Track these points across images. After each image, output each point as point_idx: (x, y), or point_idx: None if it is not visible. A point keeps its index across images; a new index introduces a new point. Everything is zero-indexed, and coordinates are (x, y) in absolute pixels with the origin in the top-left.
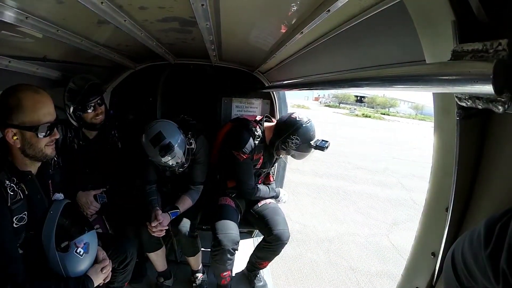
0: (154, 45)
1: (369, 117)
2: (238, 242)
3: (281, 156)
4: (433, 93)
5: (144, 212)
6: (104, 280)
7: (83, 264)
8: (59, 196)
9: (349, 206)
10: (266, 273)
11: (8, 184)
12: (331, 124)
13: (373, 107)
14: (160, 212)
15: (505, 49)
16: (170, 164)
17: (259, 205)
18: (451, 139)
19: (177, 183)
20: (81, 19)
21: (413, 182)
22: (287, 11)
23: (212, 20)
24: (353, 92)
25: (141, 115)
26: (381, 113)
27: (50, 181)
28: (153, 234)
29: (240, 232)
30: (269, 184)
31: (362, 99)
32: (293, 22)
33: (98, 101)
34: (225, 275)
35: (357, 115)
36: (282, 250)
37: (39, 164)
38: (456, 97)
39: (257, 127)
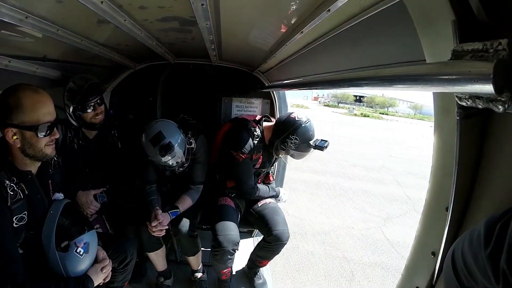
0: (154, 44)
1: (368, 116)
2: (238, 243)
3: (280, 156)
4: (433, 92)
5: (144, 212)
6: (104, 279)
7: (83, 263)
8: (59, 195)
9: (345, 201)
10: (266, 271)
11: (8, 184)
12: (329, 123)
13: (372, 107)
14: (160, 211)
15: (505, 49)
16: (170, 163)
17: (259, 205)
18: (451, 138)
19: (177, 182)
20: (81, 19)
21: (408, 179)
22: (287, 10)
23: (212, 20)
24: (352, 91)
25: (141, 115)
26: (380, 113)
27: (50, 181)
28: (153, 234)
29: (240, 232)
30: (269, 183)
31: (361, 98)
32: (293, 22)
33: (98, 101)
34: (225, 271)
35: (355, 115)
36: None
37: (39, 164)
38: (456, 96)
39: (256, 127)
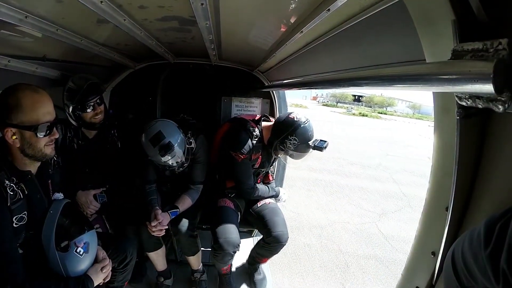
0: (153, 44)
1: (366, 116)
2: (238, 245)
3: (279, 156)
4: (433, 92)
5: (144, 212)
6: (104, 279)
7: (83, 263)
8: (59, 195)
9: (342, 198)
10: (265, 267)
11: (7, 184)
12: (328, 122)
13: (370, 106)
14: (159, 211)
15: (505, 49)
16: (170, 163)
17: (259, 205)
18: (451, 138)
19: (177, 182)
20: (81, 18)
21: (404, 177)
22: (287, 10)
23: (211, 19)
24: (352, 91)
25: (141, 115)
26: (379, 112)
27: (49, 181)
28: (153, 234)
29: (240, 232)
30: (269, 183)
31: (360, 98)
32: (293, 22)
33: (97, 101)
34: (225, 268)
35: (354, 114)
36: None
37: (38, 163)
38: (456, 96)
39: (255, 127)
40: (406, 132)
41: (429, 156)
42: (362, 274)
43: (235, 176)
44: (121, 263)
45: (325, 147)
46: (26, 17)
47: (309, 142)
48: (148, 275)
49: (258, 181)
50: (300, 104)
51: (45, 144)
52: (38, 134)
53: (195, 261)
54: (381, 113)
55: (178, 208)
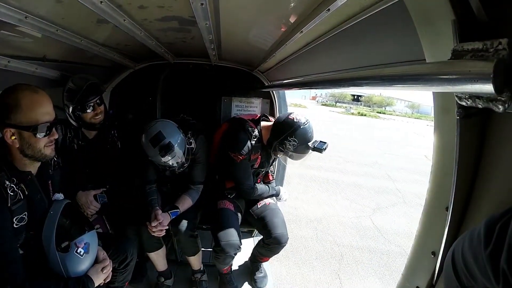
0: (153, 44)
1: (365, 115)
2: (239, 247)
3: (278, 156)
4: (433, 92)
5: (144, 212)
6: (104, 280)
7: (83, 264)
8: (59, 196)
9: (337, 193)
10: (267, 266)
11: (8, 185)
12: (326, 122)
13: (369, 106)
14: (160, 212)
15: (505, 48)
16: (170, 164)
17: (259, 206)
18: (451, 138)
19: (177, 182)
20: (80, 19)
21: (400, 174)
22: (286, 10)
23: (211, 20)
24: (352, 91)
25: (141, 115)
26: (377, 112)
27: (50, 182)
28: (153, 234)
29: (240, 232)
30: (269, 183)
31: (359, 98)
32: (292, 21)
33: (97, 101)
34: (227, 268)
35: (352, 114)
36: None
37: (38, 164)
38: (456, 96)
39: (254, 127)
40: (403, 131)
41: (425, 154)
42: (355, 264)
43: (234, 176)
44: (122, 263)
45: (325, 149)
46: (25, 17)
47: (308, 144)
48: (149, 275)
49: (258, 181)
50: (299, 103)
51: (44, 145)
52: (37, 135)
53: (196, 261)
54: (380, 113)
55: (178, 208)
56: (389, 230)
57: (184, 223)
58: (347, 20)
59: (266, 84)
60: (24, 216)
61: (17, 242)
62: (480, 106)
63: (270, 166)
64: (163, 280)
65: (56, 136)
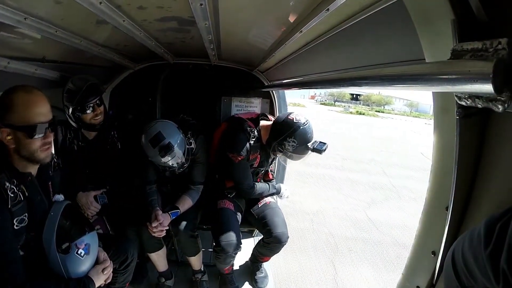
0: (153, 45)
1: (363, 114)
2: (240, 246)
3: (277, 156)
4: (432, 92)
5: (145, 213)
6: (105, 281)
7: (84, 265)
8: (60, 197)
9: (333, 189)
10: (267, 266)
11: (8, 186)
12: (325, 121)
13: (368, 105)
14: (160, 212)
15: (504, 48)
16: (170, 164)
17: (259, 205)
18: (451, 138)
19: (177, 183)
20: (80, 20)
21: (395, 170)
22: (286, 10)
23: (211, 20)
24: (352, 91)
25: (141, 115)
26: (376, 111)
27: (50, 183)
28: (153, 235)
29: (241, 232)
30: (269, 181)
31: (358, 97)
32: (292, 21)
33: (97, 102)
34: (228, 267)
35: (351, 113)
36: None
37: (38, 165)
38: (456, 96)
39: (253, 127)
40: (401, 129)
41: (422, 152)
42: (349, 252)
43: (233, 177)
44: (122, 264)
45: (324, 150)
46: (25, 18)
47: (308, 144)
48: (149, 276)
49: (258, 180)
50: (298, 103)
51: (39, 148)
52: (29, 135)
53: (196, 262)
54: (379, 112)
55: (178, 209)
56: (383, 222)
57: (184, 224)
58: (347, 19)
59: (266, 84)
60: (24, 217)
61: (18, 243)
62: (480, 106)
63: (270, 165)
64: (163, 280)
65: (50, 139)
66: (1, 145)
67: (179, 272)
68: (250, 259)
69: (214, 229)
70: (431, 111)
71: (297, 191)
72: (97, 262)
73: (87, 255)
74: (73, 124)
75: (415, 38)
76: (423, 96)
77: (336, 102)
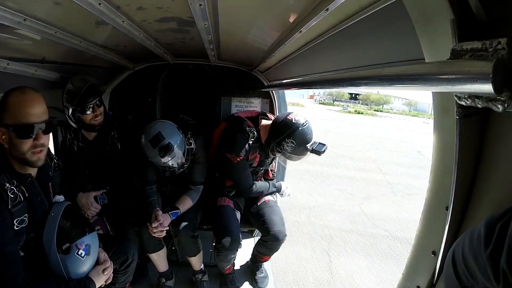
0: (152, 45)
1: (362, 113)
2: (240, 243)
3: (276, 156)
4: (432, 92)
5: (145, 213)
6: (105, 281)
7: (84, 265)
8: (60, 198)
9: (330, 185)
10: (267, 266)
11: (8, 187)
12: (323, 120)
13: (367, 104)
14: (160, 212)
15: (504, 48)
16: (170, 164)
17: (258, 204)
18: (450, 138)
19: (177, 183)
20: (79, 20)
21: (391, 167)
22: (285, 10)
23: (210, 20)
24: (351, 91)
25: (141, 116)
26: (375, 110)
27: (50, 183)
28: (153, 235)
29: (241, 232)
30: (270, 180)
31: (357, 96)
32: (291, 21)
33: (97, 102)
34: (228, 267)
35: (350, 112)
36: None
37: (34, 167)
38: (456, 96)
39: (252, 126)
40: (399, 128)
41: (419, 150)
42: (344, 244)
43: (232, 177)
44: (123, 264)
45: (324, 151)
46: (24, 19)
47: (307, 145)
48: (150, 276)
49: (258, 179)
50: (297, 102)
51: (29, 150)
52: (18, 135)
53: (196, 262)
54: (377, 111)
55: (178, 209)
56: (377, 216)
57: (184, 224)
58: (346, 19)
59: (266, 84)
60: (24, 218)
61: (18, 244)
62: (480, 105)
63: (270, 164)
64: (164, 281)
65: (43, 141)
66: (1, 146)
67: (180, 272)
68: (250, 259)
69: (214, 226)
70: (430, 110)
71: (293, 187)
72: (97, 262)
73: (87, 256)
74: (73, 124)
75: (414, 38)
76: (421, 95)
77: (335, 102)
